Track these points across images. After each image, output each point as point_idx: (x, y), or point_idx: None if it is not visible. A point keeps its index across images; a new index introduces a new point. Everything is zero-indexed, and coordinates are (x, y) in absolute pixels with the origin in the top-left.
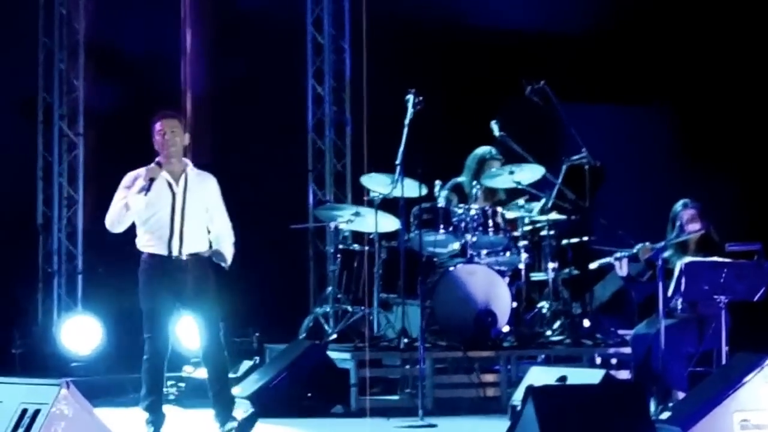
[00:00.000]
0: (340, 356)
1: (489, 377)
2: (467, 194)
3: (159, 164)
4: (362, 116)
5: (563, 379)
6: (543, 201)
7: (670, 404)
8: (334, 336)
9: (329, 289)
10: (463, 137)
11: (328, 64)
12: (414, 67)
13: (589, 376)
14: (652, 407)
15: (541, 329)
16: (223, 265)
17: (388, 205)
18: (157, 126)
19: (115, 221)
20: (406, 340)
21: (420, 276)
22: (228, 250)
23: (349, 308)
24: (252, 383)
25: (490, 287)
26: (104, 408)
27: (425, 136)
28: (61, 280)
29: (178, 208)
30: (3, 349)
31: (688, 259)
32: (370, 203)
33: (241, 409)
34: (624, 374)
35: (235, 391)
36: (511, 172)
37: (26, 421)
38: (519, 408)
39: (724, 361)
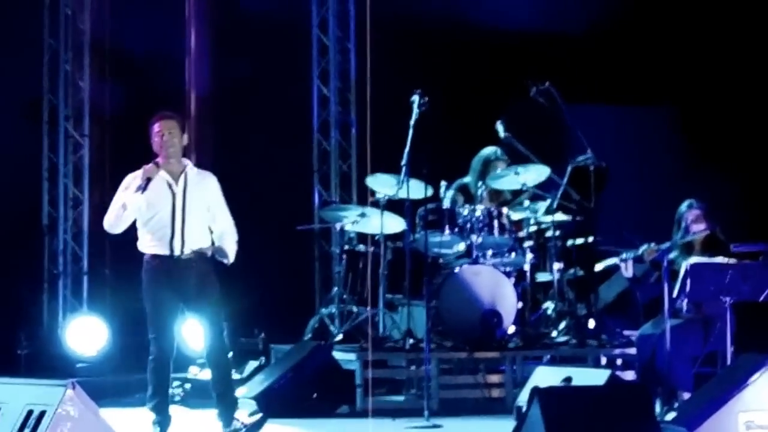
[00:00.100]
0: (345, 357)
1: (494, 378)
2: (473, 195)
3: (157, 164)
4: (367, 117)
5: (569, 379)
6: (548, 202)
7: (676, 405)
8: (340, 337)
9: (335, 289)
10: (468, 138)
11: (334, 65)
12: (419, 68)
13: (595, 376)
14: (658, 408)
15: (546, 330)
16: (224, 261)
17: (393, 206)
18: (155, 127)
19: (113, 222)
20: (411, 341)
21: (425, 277)
22: (231, 248)
23: (355, 309)
24: (257, 384)
25: (495, 288)
26: (110, 409)
27: (430, 136)
28: (66, 280)
29: (179, 207)
30: (9, 350)
31: (693, 259)
32: (376, 204)
33: (246, 410)
34: (629, 375)
35: (241, 391)
36: (517, 173)
37: (32, 422)
38: (524, 409)
39: (729, 362)
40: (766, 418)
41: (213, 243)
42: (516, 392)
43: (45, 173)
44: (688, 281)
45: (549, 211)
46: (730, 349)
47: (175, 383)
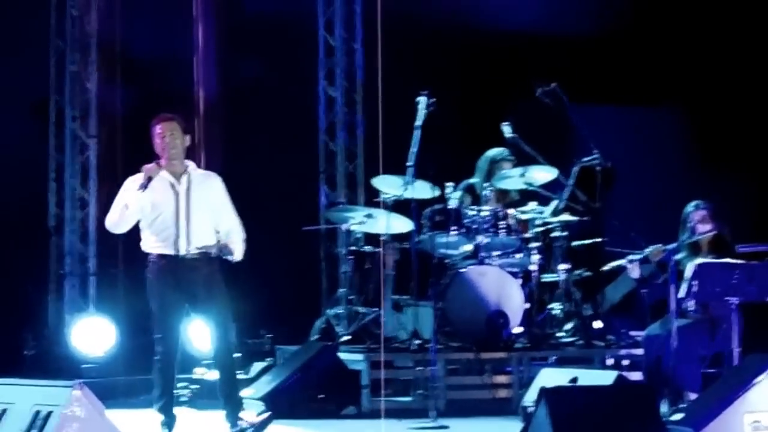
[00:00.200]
0: (352, 358)
1: (501, 378)
2: (479, 196)
3: (158, 164)
4: (374, 118)
5: (575, 380)
6: (555, 202)
7: (682, 405)
8: (346, 337)
9: (341, 290)
10: (474, 139)
11: (340, 65)
12: (425, 69)
13: (601, 377)
14: (664, 408)
15: (552, 330)
16: (230, 258)
17: (400, 206)
18: (157, 129)
19: (116, 221)
20: (418, 342)
21: (432, 277)
22: (238, 245)
23: (361, 310)
24: (264, 384)
25: (501, 288)
26: (117, 409)
27: (437, 137)
28: (73, 281)
29: (182, 207)
30: (15, 350)
31: (700, 260)
32: (382, 205)
33: (253, 410)
34: (636, 375)
35: (248, 392)
36: (523, 174)
37: (39, 422)
38: (531, 409)
39: (735, 363)
40: None
41: (218, 241)
42: (522, 393)
43: (52, 174)
44: (695, 282)
45: (555, 211)
46: (736, 350)
47: (182, 384)
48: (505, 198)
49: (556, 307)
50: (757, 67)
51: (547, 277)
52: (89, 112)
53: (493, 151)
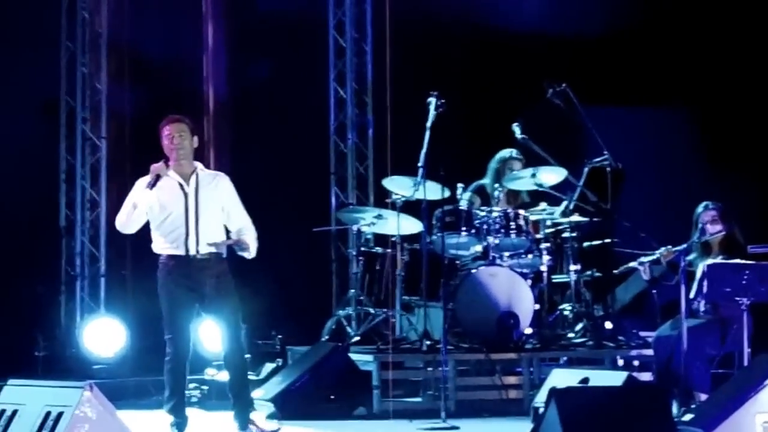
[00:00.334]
0: (362, 358)
1: (511, 379)
2: (489, 196)
3: (166, 163)
4: (384, 119)
5: (586, 381)
6: (565, 203)
7: (693, 406)
8: (357, 338)
9: (351, 291)
10: (484, 140)
11: (350, 66)
12: (435, 70)
13: (612, 378)
14: (675, 409)
15: (563, 331)
16: (245, 255)
17: (410, 207)
18: (165, 130)
19: (124, 221)
20: (428, 343)
21: (442, 278)
22: (252, 242)
23: (372, 311)
24: (275, 385)
25: (512, 289)
26: (127, 410)
27: (447, 138)
28: (84, 282)
29: (192, 207)
30: (26, 351)
31: (710, 260)
32: (393, 206)
33: (263, 412)
34: (646, 376)
35: (258, 393)
36: (533, 175)
37: (50, 423)
38: (541, 410)
39: (746, 363)
40: None
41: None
42: (533, 393)
43: (62, 175)
44: (705, 282)
45: (566, 212)
46: (747, 350)
47: (193, 385)
48: (515, 199)
49: (566, 308)
50: (767, 67)
51: (558, 278)
52: (100, 113)
53: (504, 152)
